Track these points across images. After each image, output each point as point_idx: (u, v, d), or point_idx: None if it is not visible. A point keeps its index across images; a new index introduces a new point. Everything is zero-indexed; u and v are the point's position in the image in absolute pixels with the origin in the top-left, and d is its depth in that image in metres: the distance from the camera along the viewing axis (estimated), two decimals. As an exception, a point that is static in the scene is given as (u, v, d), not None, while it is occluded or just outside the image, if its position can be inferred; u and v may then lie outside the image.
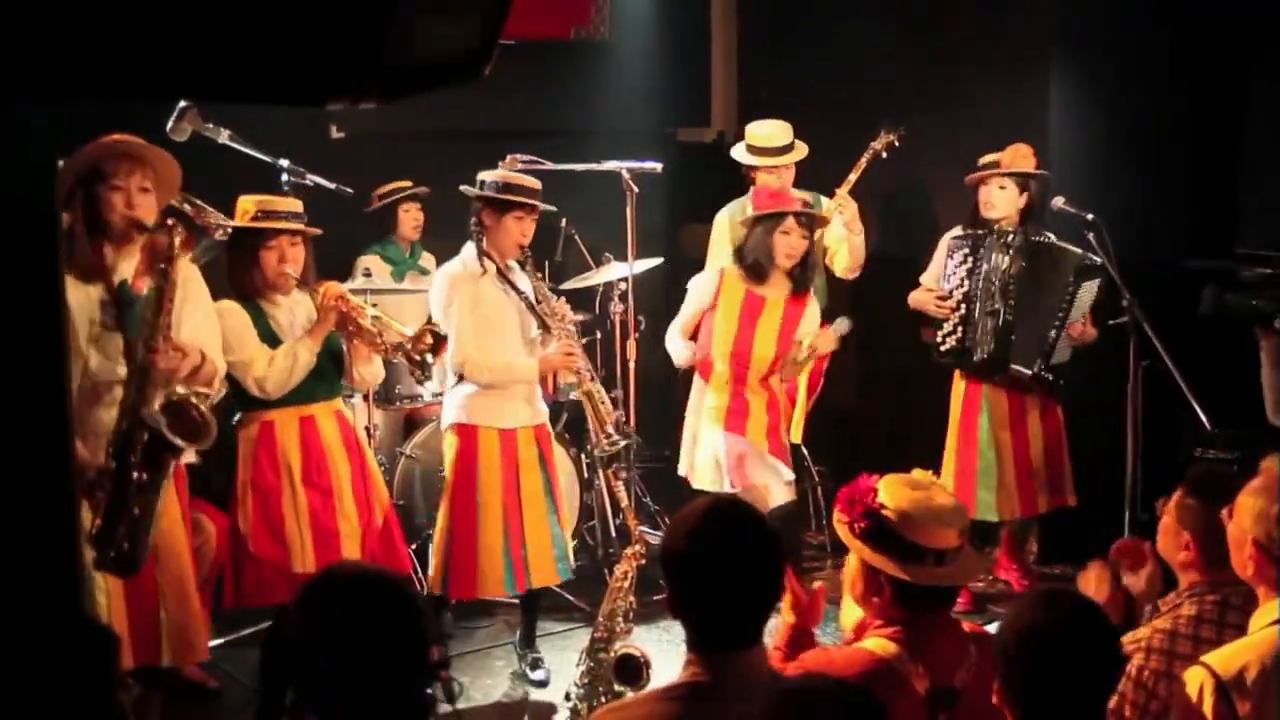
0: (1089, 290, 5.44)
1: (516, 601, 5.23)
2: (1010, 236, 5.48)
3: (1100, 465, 5.51)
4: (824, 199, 6.13)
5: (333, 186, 5.31)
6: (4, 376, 1.56)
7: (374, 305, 4.69)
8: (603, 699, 4.35)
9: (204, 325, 4.10)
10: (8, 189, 1.53)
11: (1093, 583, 3.27)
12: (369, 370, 4.63)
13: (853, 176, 5.97)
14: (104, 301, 3.87)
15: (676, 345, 5.47)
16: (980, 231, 5.56)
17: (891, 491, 2.79)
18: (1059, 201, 5.49)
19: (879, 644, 2.73)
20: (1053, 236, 5.58)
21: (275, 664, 2.27)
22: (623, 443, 4.82)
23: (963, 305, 5.57)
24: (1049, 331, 5.43)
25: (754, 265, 5.27)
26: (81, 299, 3.83)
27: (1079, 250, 5.42)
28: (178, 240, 3.88)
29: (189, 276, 4.07)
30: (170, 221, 3.91)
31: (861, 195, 6.04)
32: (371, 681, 2.22)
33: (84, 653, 1.61)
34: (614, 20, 7.53)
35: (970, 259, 5.55)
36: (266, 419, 4.48)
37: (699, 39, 7.94)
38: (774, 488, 5.31)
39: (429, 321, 4.61)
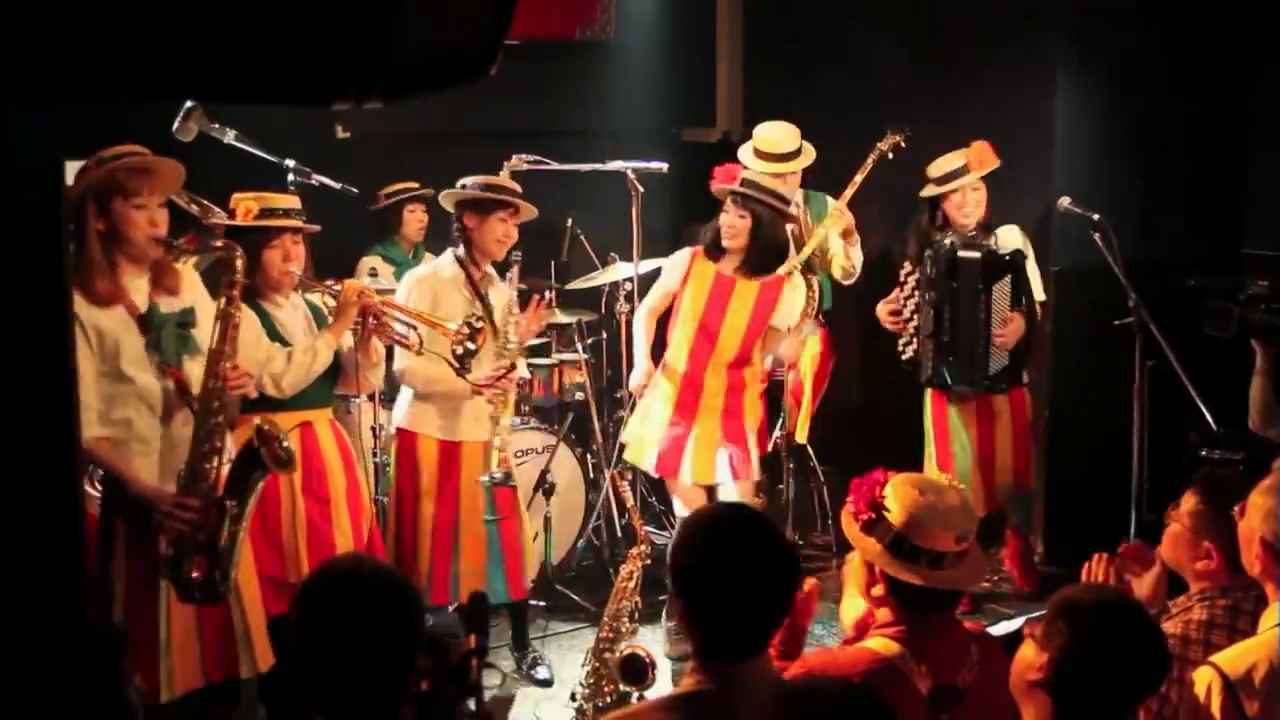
0: (1002, 290, 5.41)
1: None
2: (942, 258, 5.43)
3: (1106, 465, 5.51)
4: (829, 199, 6.12)
5: (338, 187, 5.31)
6: (11, 378, 1.56)
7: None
8: (608, 699, 4.35)
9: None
10: (13, 191, 1.53)
11: (1100, 576, 3.26)
12: (376, 374, 4.57)
13: (858, 178, 5.96)
14: (133, 322, 3.79)
15: (643, 322, 5.35)
16: (941, 240, 5.50)
17: (898, 490, 2.80)
18: (1065, 202, 5.48)
19: (882, 643, 2.74)
20: (1012, 231, 5.55)
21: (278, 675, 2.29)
22: (492, 484, 4.71)
23: (914, 317, 5.58)
24: (977, 346, 5.43)
25: (710, 243, 5.21)
26: (112, 324, 3.74)
27: (976, 253, 5.39)
28: (240, 263, 3.84)
29: (196, 287, 4.03)
30: (229, 242, 3.90)
31: (866, 197, 6.03)
32: (370, 668, 2.23)
33: (91, 650, 1.61)
34: (619, 20, 7.53)
35: (915, 272, 5.54)
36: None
37: (704, 39, 7.94)
38: (723, 488, 5.22)
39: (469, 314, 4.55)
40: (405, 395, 4.92)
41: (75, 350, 3.29)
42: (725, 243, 5.14)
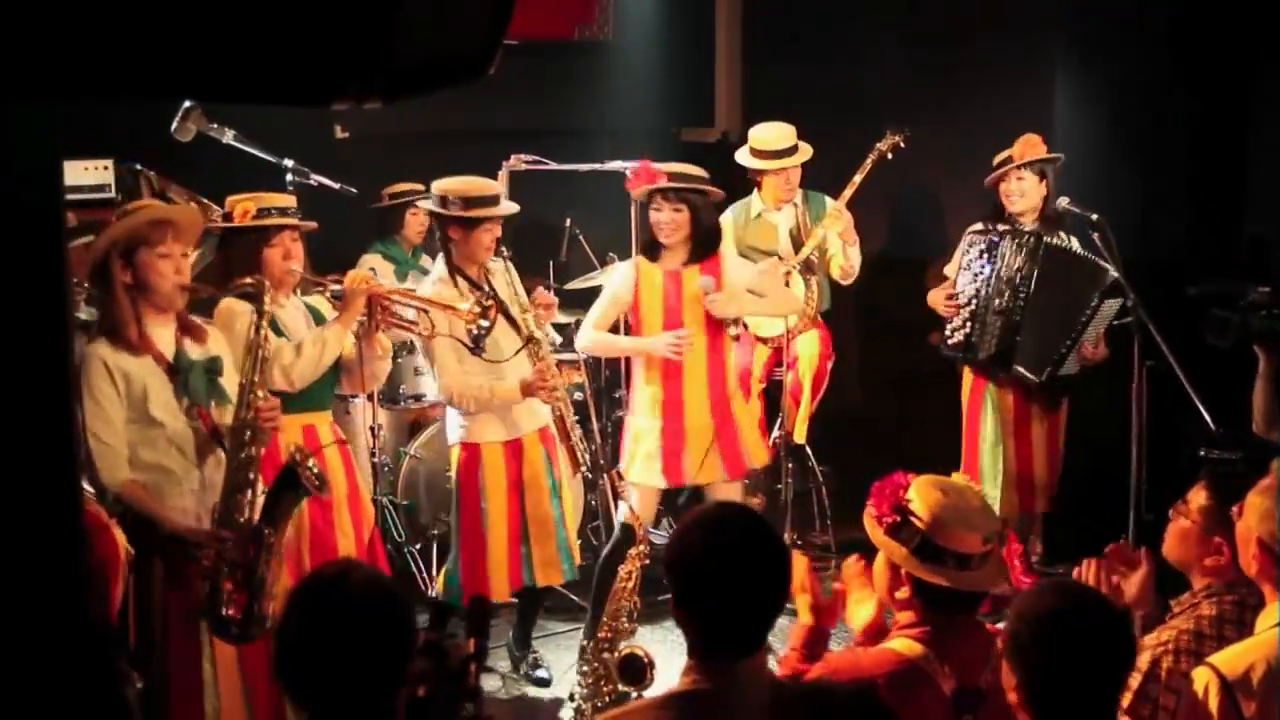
0: (1109, 309, 5.44)
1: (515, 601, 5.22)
2: (1026, 238, 5.48)
3: (1104, 465, 5.51)
4: (828, 199, 6.13)
5: (337, 186, 5.32)
6: (10, 376, 1.56)
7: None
8: (606, 699, 4.35)
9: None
10: (13, 191, 1.53)
11: (1090, 581, 3.27)
12: (381, 368, 4.54)
13: (857, 179, 5.98)
14: (160, 369, 3.81)
15: (593, 336, 5.19)
16: (999, 227, 5.57)
17: (922, 492, 2.82)
18: (1064, 201, 5.49)
19: (905, 645, 2.74)
20: (1074, 240, 5.58)
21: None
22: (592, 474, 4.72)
23: (973, 301, 5.58)
24: (1063, 343, 5.44)
25: (646, 245, 5.14)
26: (141, 370, 3.77)
27: (1107, 266, 5.41)
28: (268, 298, 3.86)
29: (220, 340, 4.05)
30: (258, 278, 3.91)
31: (866, 197, 6.03)
32: (360, 672, 2.24)
33: (89, 649, 1.61)
34: (618, 20, 7.53)
35: (985, 255, 5.56)
36: None
37: (703, 39, 7.93)
38: (717, 486, 5.16)
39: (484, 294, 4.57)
40: (456, 411, 4.90)
41: (73, 350, 3.29)
42: (665, 240, 5.06)
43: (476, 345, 4.50)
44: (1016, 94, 6.29)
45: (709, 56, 7.97)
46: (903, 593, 2.79)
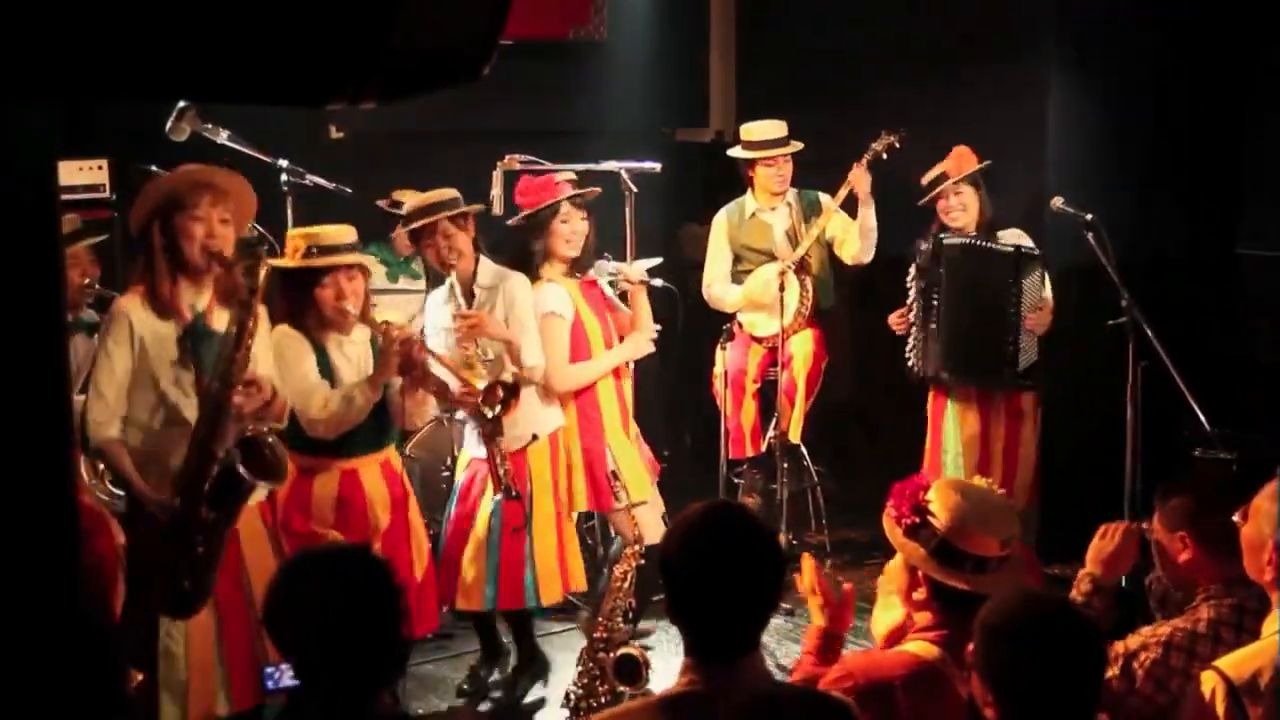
0: (1033, 283, 5.45)
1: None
2: (931, 244, 5.50)
3: (1099, 466, 5.52)
4: (823, 196, 6.14)
5: (331, 186, 5.31)
6: (4, 376, 1.56)
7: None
8: (603, 699, 4.36)
9: (266, 357, 3.94)
10: (12, 191, 1.53)
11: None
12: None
13: (851, 178, 5.98)
14: (179, 336, 3.76)
15: (574, 372, 5.03)
16: (934, 237, 5.58)
17: (942, 493, 2.83)
18: (1058, 202, 5.49)
19: (921, 647, 2.75)
20: (1017, 234, 5.58)
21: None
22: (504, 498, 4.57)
23: (914, 319, 5.61)
24: (1006, 338, 5.44)
25: (543, 259, 4.99)
26: (160, 334, 3.73)
27: (1008, 247, 5.44)
28: (262, 273, 3.71)
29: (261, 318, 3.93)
30: (259, 251, 3.79)
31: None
32: (351, 643, 2.35)
33: (86, 645, 1.61)
34: (613, 20, 7.54)
35: (916, 270, 5.59)
36: (305, 464, 4.22)
37: (698, 39, 7.95)
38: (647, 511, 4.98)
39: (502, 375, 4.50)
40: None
41: (67, 344, 3.29)
42: (573, 252, 5.00)
43: (493, 426, 4.39)
44: (1011, 93, 6.30)
45: (704, 57, 7.99)
46: (920, 594, 2.80)
